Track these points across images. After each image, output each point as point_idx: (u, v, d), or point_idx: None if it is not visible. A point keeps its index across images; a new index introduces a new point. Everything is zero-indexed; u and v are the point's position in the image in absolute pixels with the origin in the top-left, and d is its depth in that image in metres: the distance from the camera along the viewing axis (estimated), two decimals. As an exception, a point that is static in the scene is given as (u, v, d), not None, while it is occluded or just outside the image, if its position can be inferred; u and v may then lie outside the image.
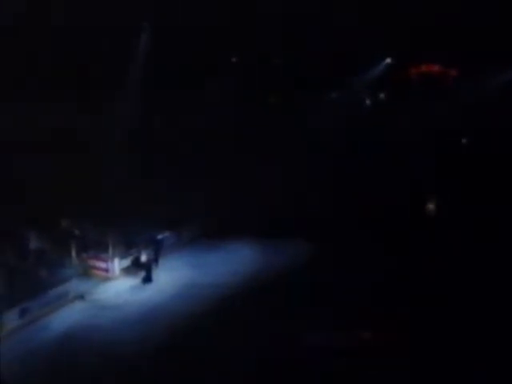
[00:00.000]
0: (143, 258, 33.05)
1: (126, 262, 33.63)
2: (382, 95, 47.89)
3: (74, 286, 31.08)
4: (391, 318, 27.33)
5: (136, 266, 33.29)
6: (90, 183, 35.16)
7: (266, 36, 39.88)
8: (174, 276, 32.99)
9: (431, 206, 40.76)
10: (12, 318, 27.99)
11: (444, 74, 46.28)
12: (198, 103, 41.11)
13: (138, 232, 34.65)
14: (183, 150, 39.92)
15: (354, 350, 25.26)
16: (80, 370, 24.82)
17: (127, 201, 34.99)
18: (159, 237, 35.04)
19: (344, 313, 27.72)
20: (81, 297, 30.81)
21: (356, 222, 36.99)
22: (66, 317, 29.15)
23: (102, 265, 33.17)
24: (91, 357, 25.71)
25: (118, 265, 33.30)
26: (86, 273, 32.69)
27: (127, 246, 34.15)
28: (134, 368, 24.78)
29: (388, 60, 45.63)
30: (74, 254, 32.56)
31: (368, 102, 48.70)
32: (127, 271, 33.49)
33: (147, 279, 32.57)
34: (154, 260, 33.49)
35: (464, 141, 45.58)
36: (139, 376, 24.35)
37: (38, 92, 35.49)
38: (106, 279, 32.84)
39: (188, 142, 40.37)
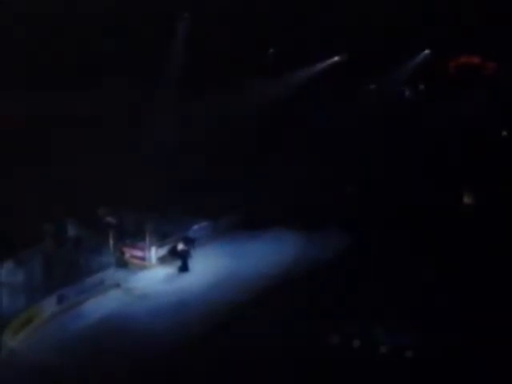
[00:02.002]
0: (180, 246, 33.04)
1: (163, 251, 33.67)
2: (421, 86, 47.32)
3: (111, 274, 31.24)
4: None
5: (173, 254, 33.34)
6: (129, 174, 35.31)
7: (302, 27, 39.62)
8: (211, 265, 32.88)
9: (468, 200, 40.19)
10: (50, 305, 28.26)
11: (483, 66, 45.63)
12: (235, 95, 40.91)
13: (176, 221, 34.69)
14: (221, 139, 39.70)
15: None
16: (115, 358, 24.77)
17: (165, 190, 35.10)
18: (196, 226, 35.07)
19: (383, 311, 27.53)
20: (117, 285, 30.90)
21: (392, 217, 36.60)
22: (103, 304, 29.31)
23: (139, 253, 33.32)
24: (126, 345, 25.70)
25: (154, 253, 33.39)
26: (122, 261, 32.75)
27: (164, 234, 34.19)
28: (169, 358, 24.65)
29: (427, 51, 45.11)
30: (111, 242, 32.64)
31: (408, 93, 48.14)
32: (164, 260, 33.55)
33: (184, 268, 32.57)
34: (191, 249, 33.45)
35: (504, 133, 44.97)
36: (174, 366, 24.23)
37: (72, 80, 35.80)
38: (143, 268, 32.94)
39: (226, 132, 40.15)
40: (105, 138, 35.21)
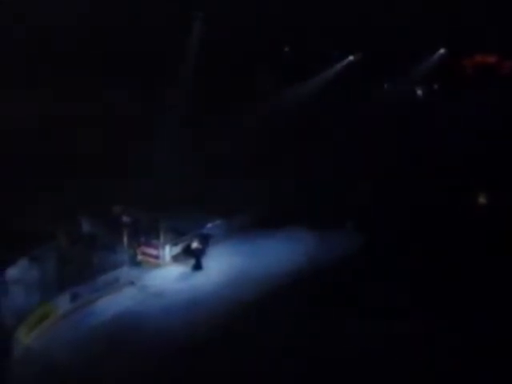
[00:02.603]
0: (194, 244, 33.15)
1: (177, 249, 33.79)
2: (435, 86, 47.13)
3: (125, 272, 31.34)
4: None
5: (186, 253, 33.45)
6: (144, 171, 35.43)
7: (317, 26, 39.63)
8: (224, 264, 32.86)
9: (482, 200, 40.02)
10: (64, 302, 28.44)
11: (500, 65, 45.41)
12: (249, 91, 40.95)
13: (190, 219, 34.78)
14: (235, 138, 39.79)
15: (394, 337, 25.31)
16: (129, 356, 25.02)
17: (180, 189, 35.19)
18: (209, 225, 35.16)
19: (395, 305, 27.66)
20: (131, 283, 31.05)
21: (405, 217, 36.53)
22: (116, 302, 29.46)
23: (153, 251, 33.38)
24: (137, 344, 25.93)
25: (168, 252, 33.48)
26: (136, 259, 32.88)
27: (178, 233, 34.29)
28: (182, 355, 24.84)
29: (442, 50, 44.97)
30: (125, 240, 32.78)
31: (419, 92, 47.98)
32: (177, 258, 33.65)
33: (197, 267, 32.67)
34: (205, 247, 33.52)
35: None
36: (187, 363, 24.40)
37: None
38: (157, 266, 33.04)
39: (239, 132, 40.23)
40: (114, 137, 35.47)
